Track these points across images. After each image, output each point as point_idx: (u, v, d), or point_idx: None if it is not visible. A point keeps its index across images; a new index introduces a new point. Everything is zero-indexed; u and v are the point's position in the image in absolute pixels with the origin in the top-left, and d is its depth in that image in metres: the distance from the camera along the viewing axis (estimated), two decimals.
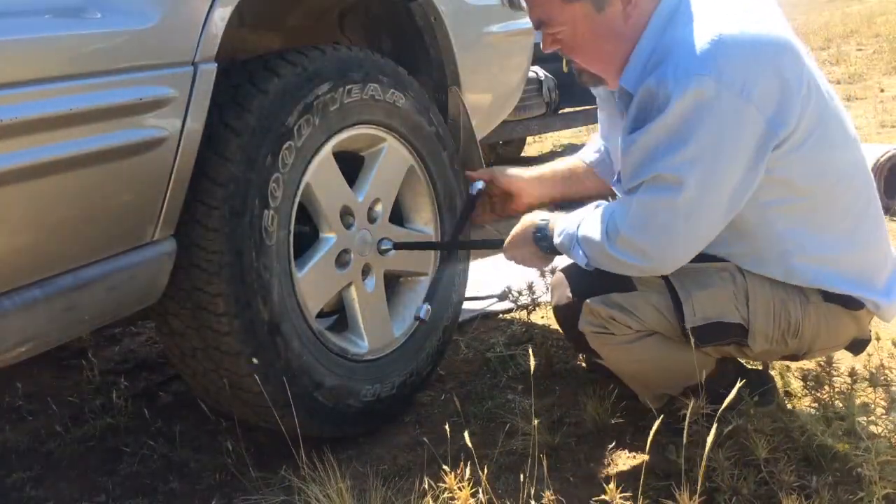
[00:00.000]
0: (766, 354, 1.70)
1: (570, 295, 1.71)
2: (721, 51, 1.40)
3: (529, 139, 6.20)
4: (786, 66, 1.45)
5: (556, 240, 1.69)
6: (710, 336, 1.62)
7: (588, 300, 1.65)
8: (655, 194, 1.50)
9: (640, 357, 1.66)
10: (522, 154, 6.07)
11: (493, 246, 1.89)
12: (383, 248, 2.01)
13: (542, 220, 1.75)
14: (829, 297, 1.62)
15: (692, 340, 1.59)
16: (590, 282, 1.65)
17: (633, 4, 1.52)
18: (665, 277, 1.62)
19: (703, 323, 1.61)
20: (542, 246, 1.74)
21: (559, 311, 1.79)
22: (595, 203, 1.67)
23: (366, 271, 2.00)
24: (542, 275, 2.47)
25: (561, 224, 1.69)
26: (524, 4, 1.63)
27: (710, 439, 1.29)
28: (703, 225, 1.51)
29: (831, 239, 1.59)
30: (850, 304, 1.63)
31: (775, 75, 1.43)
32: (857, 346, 1.75)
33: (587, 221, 1.62)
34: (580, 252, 1.62)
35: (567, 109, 4.69)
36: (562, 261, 1.80)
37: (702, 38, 1.42)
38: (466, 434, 1.49)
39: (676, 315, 1.62)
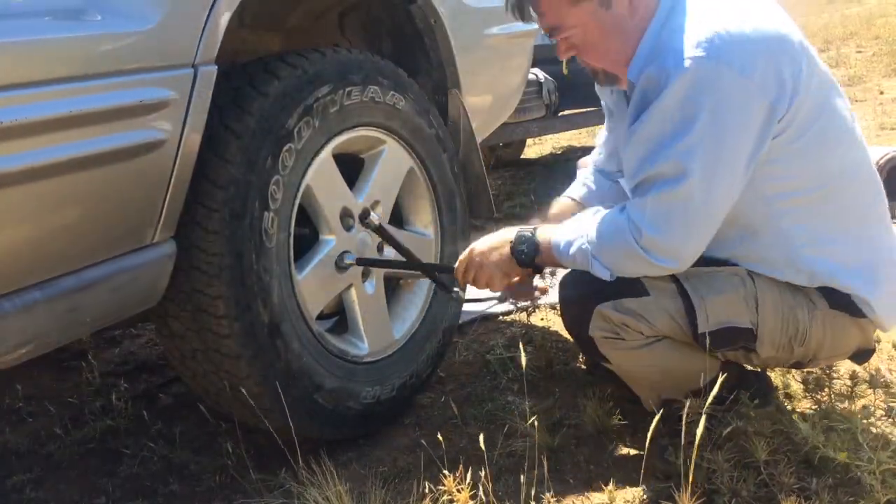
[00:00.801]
0: (772, 361, 1.69)
1: (578, 299, 1.68)
2: (720, 37, 1.43)
3: (529, 141, 6.19)
4: (785, 57, 1.48)
5: (565, 257, 1.62)
6: (721, 341, 1.61)
7: (599, 306, 1.61)
8: (667, 188, 1.48)
9: (649, 362, 1.64)
10: (522, 156, 6.08)
11: (447, 270, 1.87)
12: (347, 262, 1.92)
13: (525, 230, 1.69)
14: (834, 304, 1.62)
15: (707, 345, 1.58)
16: (599, 285, 1.60)
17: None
18: (677, 282, 1.60)
19: (716, 328, 1.59)
20: (521, 258, 1.67)
21: (567, 315, 1.75)
22: (591, 210, 1.65)
23: (366, 273, 2.00)
24: (542, 276, 2.46)
25: (559, 237, 1.64)
26: (533, 15, 1.63)
27: (698, 434, 1.29)
28: (717, 211, 1.51)
29: (838, 235, 1.60)
30: (856, 311, 1.62)
31: (773, 62, 1.46)
32: (861, 356, 1.74)
33: (599, 231, 1.57)
34: (599, 265, 1.57)
35: (567, 111, 4.68)
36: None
37: (701, 27, 1.46)
38: (481, 438, 1.49)
39: (689, 320, 1.60)
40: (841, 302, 1.62)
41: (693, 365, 1.61)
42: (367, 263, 1.97)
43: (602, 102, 1.95)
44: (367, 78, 1.92)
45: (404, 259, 1.97)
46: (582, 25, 1.57)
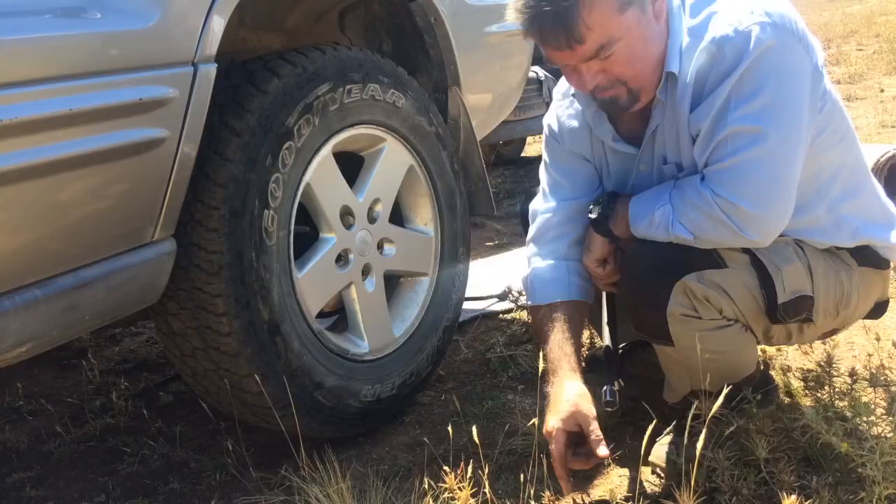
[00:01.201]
0: (817, 331, 1.71)
1: (655, 273, 1.59)
2: (766, 7, 1.47)
3: (529, 139, 6.18)
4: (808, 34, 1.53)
5: (642, 219, 1.58)
6: (793, 311, 1.60)
7: (684, 278, 1.55)
8: (744, 150, 1.47)
9: (714, 347, 1.58)
10: (522, 154, 6.07)
11: None
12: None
13: (601, 198, 1.68)
14: (862, 261, 1.65)
15: (777, 317, 1.58)
16: (676, 259, 1.56)
17: (660, 0, 1.53)
18: (751, 254, 1.58)
19: (791, 297, 1.59)
20: (595, 219, 1.66)
21: (640, 290, 1.63)
22: (669, 182, 1.60)
23: (366, 271, 2.00)
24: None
25: (637, 200, 1.61)
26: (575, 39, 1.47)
27: (702, 437, 1.27)
28: (794, 171, 1.50)
29: (859, 186, 1.65)
30: (880, 263, 1.67)
31: (807, 33, 1.51)
32: (878, 309, 1.76)
33: (682, 197, 1.54)
34: (682, 227, 1.53)
35: None
36: None
37: (743, 3, 1.49)
38: (475, 431, 1.49)
39: (764, 293, 1.58)
40: (868, 258, 1.65)
41: (746, 356, 1.64)
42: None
43: (563, 149, 1.77)
44: (368, 76, 1.92)
45: None
46: (627, 36, 1.48)
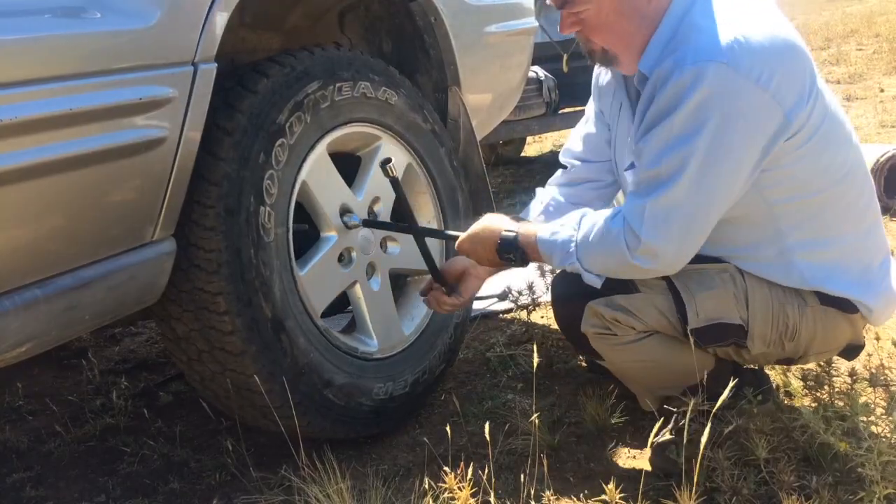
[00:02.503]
0: (763, 357, 1.70)
1: (570, 297, 1.71)
2: (740, 42, 1.43)
3: (529, 139, 6.19)
4: (799, 65, 1.49)
5: (556, 264, 1.63)
6: (711, 337, 1.63)
7: (591, 302, 1.64)
8: (666, 189, 1.47)
9: (641, 357, 1.66)
10: (522, 154, 6.07)
11: (451, 238, 1.89)
12: (352, 223, 1.92)
13: (509, 231, 1.68)
14: (825, 300, 1.62)
15: (693, 342, 1.59)
16: (588, 286, 1.62)
17: None
18: (667, 279, 1.61)
19: (706, 324, 1.61)
20: (506, 259, 1.68)
21: (560, 312, 1.79)
22: (579, 213, 1.62)
23: (370, 270, 2.00)
24: (542, 275, 2.47)
25: (546, 243, 1.62)
26: None
27: (705, 437, 1.29)
28: (711, 216, 1.51)
29: (833, 238, 1.61)
30: (847, 307, 1.63)
31: (790, 71, 1.47)
32: (851, 351, 1.75)
33: (589, 238, 1.56)
34: (590, 276, 1.58)
35: (567, 109, 4.68)
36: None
37: (722, 29, 1.45)
38: (486, 428, 1.49)
39: (679, 317, 1.62)
40: (832, 299, 1.62)
41: (686, 360, 1.62)
42: (372, 225, 1.97)
43: (594, 105, 1.89)
44: (357, 74, 1.92)
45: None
46: (597, 2, 1.55)
